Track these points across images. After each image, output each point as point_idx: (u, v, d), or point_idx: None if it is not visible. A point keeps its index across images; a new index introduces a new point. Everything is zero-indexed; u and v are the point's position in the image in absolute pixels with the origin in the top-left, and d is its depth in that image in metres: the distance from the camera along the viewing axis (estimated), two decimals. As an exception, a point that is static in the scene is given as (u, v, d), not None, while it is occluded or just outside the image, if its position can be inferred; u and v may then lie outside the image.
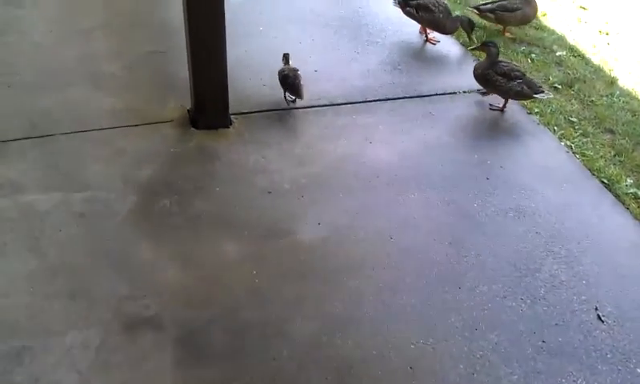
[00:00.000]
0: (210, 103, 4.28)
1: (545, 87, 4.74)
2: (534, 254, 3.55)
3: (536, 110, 4.77)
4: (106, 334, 2.92)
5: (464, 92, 4.94)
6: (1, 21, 5.42)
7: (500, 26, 5.86)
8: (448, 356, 2.96)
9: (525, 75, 4.61)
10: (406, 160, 4.19)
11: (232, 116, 4.40)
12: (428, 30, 5.62)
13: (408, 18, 5.60)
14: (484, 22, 5.89)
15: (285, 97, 4.65)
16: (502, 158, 4.27)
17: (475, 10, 5.83)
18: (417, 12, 5.40)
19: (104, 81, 4.74)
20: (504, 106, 4.74)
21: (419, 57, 5.33)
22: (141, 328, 2.97)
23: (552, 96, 4.84)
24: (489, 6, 5.77)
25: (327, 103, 4.69)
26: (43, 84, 4.64)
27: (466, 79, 5.11)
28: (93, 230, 3.47)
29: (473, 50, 4.96)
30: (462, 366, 2.92)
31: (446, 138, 4.43)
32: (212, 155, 4.09)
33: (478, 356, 2.98)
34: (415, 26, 5.84)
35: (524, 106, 4.80)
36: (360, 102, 4.75)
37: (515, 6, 5.64)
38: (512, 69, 4.57)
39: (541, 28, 6.03)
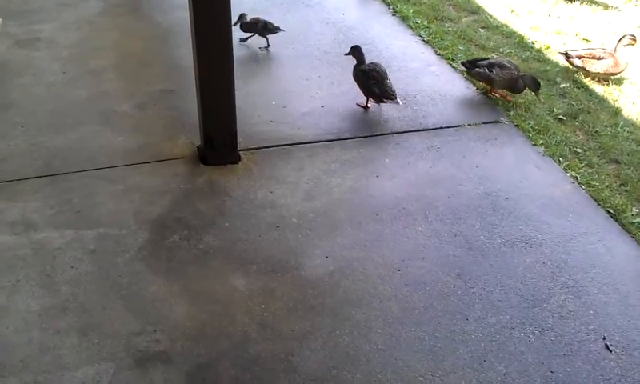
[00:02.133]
0: (218, 140, 4.36)
1: (397, 97, 4.93)
2: (541, 285, 3.57)
3: (541, 142, 4.82)
4: (117, 369, 2.95)
5: (468, 125, 5.01)
6: (17, 63, 5.58)
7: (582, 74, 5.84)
8: (456, 388, 2.97)
9: (383, 81, 4.90)
10: (413, 193, 4.24)
11: (240, 152, 4.48)
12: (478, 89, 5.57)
13: (412, 54, 5.68)
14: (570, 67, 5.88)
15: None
16: (508, 190, 4.30)
17: (565, 55, 5.86)
18: (490, 71, 5.21)
19: (115, 119, 4.85)
20: (366, 103, 5.13)
21: (423, 91, 5.41)
22: (151, 362, 3.00)
23: (400, 104, 5.02)
24: (579, 51, 5.80)
25: (334, 138, 4.77)
26: (56, 124, 4.75)
27: (470, 112, 5.19)
28: (104, 266, 3.53)
29: (347, 55, 5.20)
30: (470, 398, 2.93)
31: (451, 171, 4.48)
32: (221, 191, 4.16)
33: (487, 387, 2.99)
34: (419, 61, 5.95)
35: (529, 138, 4.86)
36: (366, 136, 4.82)
37: (603, 54, 5.66)
38: (372, 69, 4.94)
39: (544, 61, 6.11)
